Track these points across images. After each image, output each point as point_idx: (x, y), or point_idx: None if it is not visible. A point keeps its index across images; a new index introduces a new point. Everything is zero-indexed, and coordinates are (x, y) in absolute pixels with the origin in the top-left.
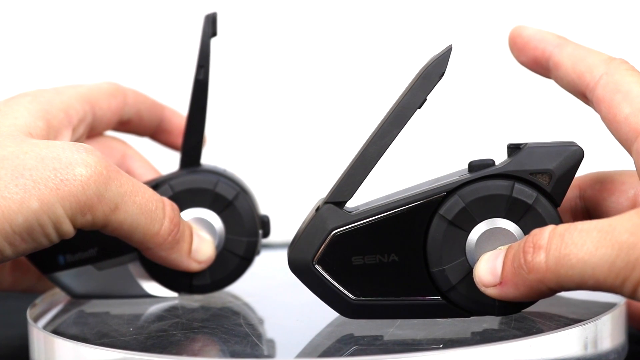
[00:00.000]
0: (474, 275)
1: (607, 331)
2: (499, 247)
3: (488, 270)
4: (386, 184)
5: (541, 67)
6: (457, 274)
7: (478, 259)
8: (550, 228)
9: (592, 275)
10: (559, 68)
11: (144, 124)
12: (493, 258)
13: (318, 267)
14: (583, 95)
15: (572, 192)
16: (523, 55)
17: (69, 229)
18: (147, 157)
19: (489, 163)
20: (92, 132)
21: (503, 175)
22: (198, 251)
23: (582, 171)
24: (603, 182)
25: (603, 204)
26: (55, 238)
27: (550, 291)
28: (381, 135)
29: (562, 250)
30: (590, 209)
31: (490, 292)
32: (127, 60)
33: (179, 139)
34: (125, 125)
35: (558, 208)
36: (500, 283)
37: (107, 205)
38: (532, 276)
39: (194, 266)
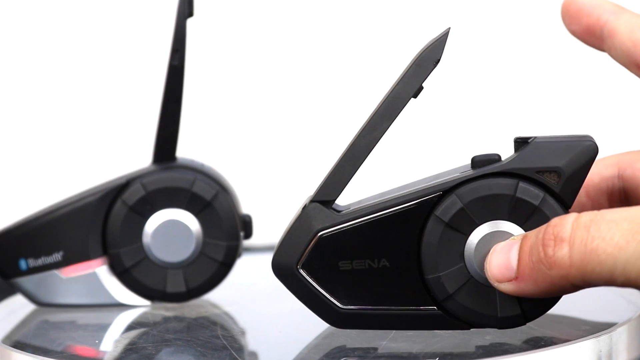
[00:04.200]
0: (485, 270)
1: (623, 344)
2: (512, 237)
3: (501, 263)
4: (383, 182)
5: (594, 36)
6: (455, 281)
7: (489, 251)
8: (572, 217)
9: (622, 273)
10: (614, 36)
11: None
12: (507, 249)
13: (303, 272)
14: (637, 65)
15: (609, 171)
16: (575, 23)
17: None
18: (118, 150)
19: (494, 159)
20: None
21: (506, 173)
22: None
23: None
24: None
25: None
26: None
27: (574, 288)
28: (371, 128)
29: (589, 244)
30: (629, 190)
31: (505, 287)
32: (94, 44)
33: None
34: None
35: (569, 209)
36: (517, 278)
37: None
38: (554, 272)
39: None
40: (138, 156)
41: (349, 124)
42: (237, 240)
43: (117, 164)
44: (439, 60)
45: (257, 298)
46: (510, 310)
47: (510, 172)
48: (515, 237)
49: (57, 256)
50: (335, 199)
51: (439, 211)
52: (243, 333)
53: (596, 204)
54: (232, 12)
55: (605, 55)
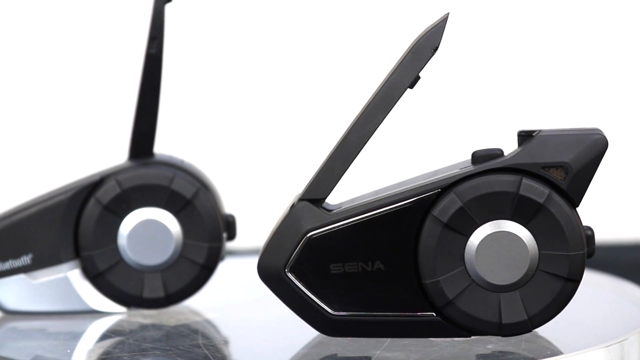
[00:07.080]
0: None
1: (636, 353)
2: None
3: None
4: (377, 179)
5: None
6: (455, 286)
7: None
8: None
9: None
10: None
11: None
12: None
13: (291, 276)
14: None
15: None
16: None
17: None
18: (91, 145)
19: (496, 153)
20: None
21: (509, 168)
22: None
23: (603, 166)
24: None
25: None
26: None
27: None
28: (364, 120)
29: None
30: None
31: None
32: (66, 31)
33: None
34: None
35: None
36: None
37: None
38: None
39: None
40: (113, 152)
41: (341, 117)
42: (220, 241)
43: (91, 160)
44: (437, 48)
45: (242, 304)
46: (515, 317)
47: (513, 168)
48: None
49: (25, 259)
50: (325, 197)
51: (436, 211)
52: (226, 342)
53: None
54: None
55: (613, 46)
